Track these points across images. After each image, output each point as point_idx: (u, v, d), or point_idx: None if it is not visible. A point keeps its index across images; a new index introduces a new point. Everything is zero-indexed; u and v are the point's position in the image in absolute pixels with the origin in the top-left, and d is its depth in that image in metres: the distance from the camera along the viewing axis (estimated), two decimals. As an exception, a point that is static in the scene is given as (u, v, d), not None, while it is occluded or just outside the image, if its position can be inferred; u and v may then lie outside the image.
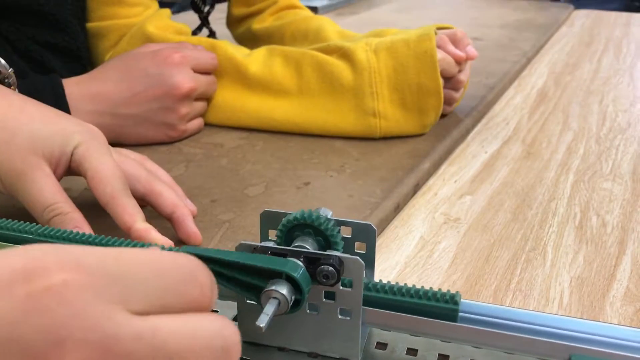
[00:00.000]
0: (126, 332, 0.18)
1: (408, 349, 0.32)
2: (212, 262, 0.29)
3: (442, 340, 0.33)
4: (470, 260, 0.42)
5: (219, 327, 0.20)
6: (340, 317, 0.31)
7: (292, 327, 0.31)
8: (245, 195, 0.51)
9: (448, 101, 0.67)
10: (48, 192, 0.39)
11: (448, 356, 0.32)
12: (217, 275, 0.29)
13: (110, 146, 0.43)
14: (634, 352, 0.28)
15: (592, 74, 0.87)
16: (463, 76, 0.66)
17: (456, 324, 0.29)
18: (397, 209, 0.51)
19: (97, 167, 0.40)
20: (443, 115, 0.67)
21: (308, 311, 0.31)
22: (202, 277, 0.21)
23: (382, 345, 0.33)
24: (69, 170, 0.42)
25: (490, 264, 0.42)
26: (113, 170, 0.40)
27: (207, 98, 0.63)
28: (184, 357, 0.19)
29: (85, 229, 0.39)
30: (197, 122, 0.63)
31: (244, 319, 0.32)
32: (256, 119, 0.64)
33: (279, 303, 0.28)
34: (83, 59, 0.66)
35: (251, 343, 0.33)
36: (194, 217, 0.46)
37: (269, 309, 0.27)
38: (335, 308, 0.30)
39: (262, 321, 0.27)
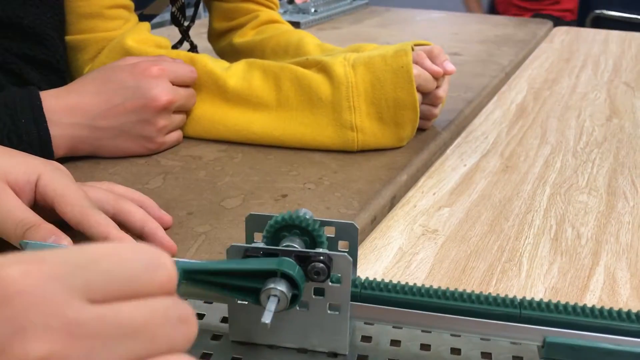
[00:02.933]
0: (88, 315, 0.19)
1: (392, 340, 0.33)
2: (206, 273, 0.29)
3: (423, 330, 0.34)
4: (447, 271, 0.42)
5: (172, 302, 0.21)
6: (329, 312, 0.32)
7: (282, 325, 0.32)
8: (223, 208, 0.51)
9: (427, 116, 0.67)
10: (18, 209, 0.39)
11: (430, 345, 0.33)
12: (211, 284, 0.30)
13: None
14: (609, 332, 0.29)
15: (570, 89, 0.88)
16: (441, 92, 0.67)
17: (438, 314, 0.31)
18: (374, 221, 0.51)
19: (62, 191, 0.41)
20: (422, 130, 0.67)
21: (298, 308, 0.32)
22: (167, 262, 0.22)
23: (366, 339, 0.34)
24: (34, 201, 0.42)
25: (466, 274, 0.42)
26: (78, 193, 0.41)
27: (185, 111, 0.63)
28: (148, 331, 0.20)
29: (62, 236, 0.38)
30: (176, 135, 0.62)
31: (234, 319, 0.33)
32: (235, 132, 0.64)
33: (279, 300, 0.28)
34: (62, 72, 0.66)
35: (242, 343, 0.33)
36: (168, 229, 0.46)
37: (271, 306, 0.28)
38: (324, 304, 0.31)
39: (267, 318, 0.27)
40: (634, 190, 0.56)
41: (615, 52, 1.12)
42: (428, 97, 0.65)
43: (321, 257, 0.30)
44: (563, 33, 1.29)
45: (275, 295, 0.28)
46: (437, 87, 0.65)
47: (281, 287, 0.28)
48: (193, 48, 0.84)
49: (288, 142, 0.63)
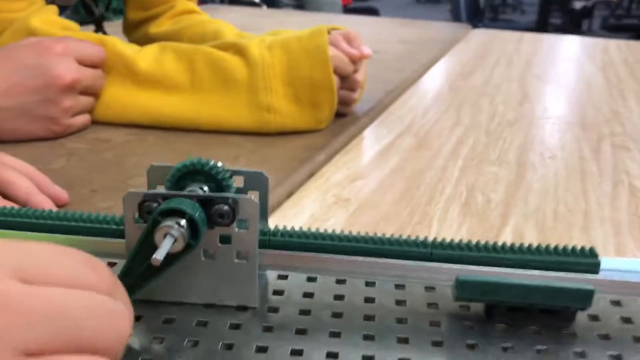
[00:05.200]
0: (16, 290, 0.20)
1: (305, 292, 0.32)
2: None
3: (337, 282, 0.33)
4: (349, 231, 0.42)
5: (108, 299, 0.22)
6: (236, 261, 0.30)
7: (187, 279, 0.30)
8: (128, 185, 0.49)
9: (346, 101, 0.67)
10: None
11: (343, 295, 0.32)
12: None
13: None
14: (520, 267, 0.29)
15: (484, 81, 0.91)
16: (359, 76, 0.67)
17: (351, 257, 0.30)
18: (290, 195, 0.50)
19: None
20: (342, 115, 0.67)
21: (203, 259, 0.30)
22: (97, 265, 0.23)
23: (278, 293, 0.32)
24: None
25: (377, 238, 0.42)
26: None
27: (94, 93, 0.60)
28: (76, 317, 0.20)
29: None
30: (83, 118, 0.60)
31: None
32: (147, 116, 0.61)
33: (175, 240, 0.27)
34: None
35: (144, 301, 0.30)
36: (65, 206, 0.43)
37: (166, 244, 0.26)
38: (231, 252, 0.30)
39: (159, 254, 0.26)
40: (543, 162, 0.58)
41: (528, 50, 1.17)
42: (346, 81, 0.66)
43: (226, 200, 0.28)
44: (480, 34, 1.33)
45: (171, 235, 0.27)
46: (355, 71, 0.66)
47: (178, 225, 0.27)
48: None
49: (203, 125, 0.61)
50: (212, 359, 0.27)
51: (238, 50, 0.62)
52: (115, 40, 0.63)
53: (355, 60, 0.65)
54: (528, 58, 1.09)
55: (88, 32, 0.66)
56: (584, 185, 0.52)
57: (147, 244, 0.27)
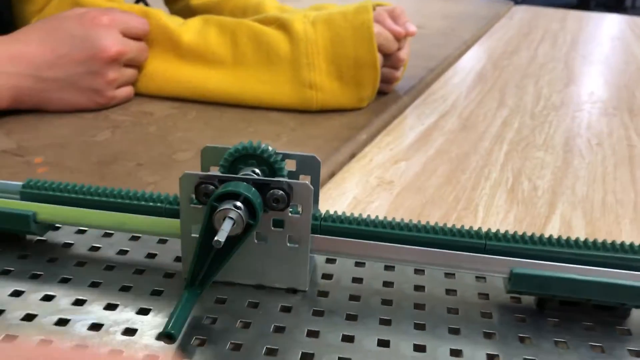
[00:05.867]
0: None
1: (353, 278, 0.32)
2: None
3: (385, 268, 0.33)
4: (401, 218, 0.41)
5: None
6: (288, 244, 0.30)
7: (239, 261, 0.30)
8: (173, 160, 0.49)
9: (388, 79, 0.66)
10: None
11: (392, 282, 0.32)
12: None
13: None
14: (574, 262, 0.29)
15: (528, 60, 0.88)
16: (403, 54, 0.66)
17: (401, 245, 0.30)
18: (332, 176, 0.50)
19: None
20: (384, 93, 0.67)
21: (256, 241, 0.30)
22: None
23: (327, 277, 0.32)
24: None
25: (422, 221, 0.41)
26: None
27: (137, 65, 0.61)
28: None
29: None
30: (127, 90, 0.60)
31: (188, 257, 0.30)
32: (189, 89, 0.62)
33: (234, 222, 0.27)
34: (8, 24, 0.63)
35: None
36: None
37: (226, 226, 0.26)
38: (284, 236, 0.30)
39: (221, 236, 0.26)
40: (590, 148, 0.56)
41: (573, 28, 1.13)
42: (390, 59, 0.65)
43: (281, 185, 0.28)
44: (522, 11, 1.30)
45: (230, 218, 0.27)
46: (399, 49, 0.65)
47: (237, 208, 0.27)
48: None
49: (244, 100, 0.61)
50: (264, 340, 0.27)
51: (281, 24, 0.61)
52: (159, 12, 0.63)
53: (399, 38, 0.64)
54: (573, 37, 1.06)
55: (132, 4, 0.66)
56: (633, 174, 0.51)
57: (209, 229, 0.27)
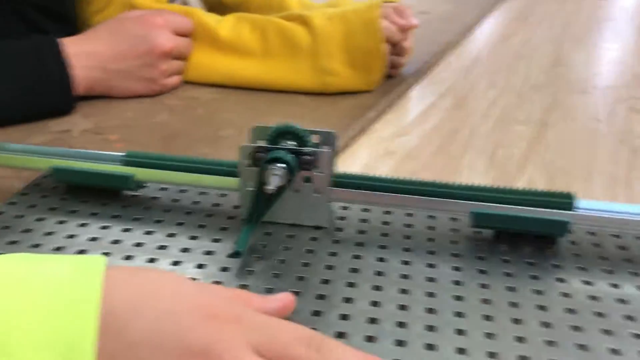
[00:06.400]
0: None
1: (360, 219, 0.45)
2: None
3: (384, 212, 0.45)
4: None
5: None
6: (314, 195, 0.42)
7: (279, 206, 0.43)
8: (219, 136, 0.61)
9: (394, 65, 0.78)
10: None
11: (389, 222, 0.44)
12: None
13: None
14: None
15: (523, 42, 0.99)
16: (407, 43, 0.77)
17: (395, 194, 0.42)
18: (346, 147, 0.62)
19: None
20: (391, 77, 0.78)
21: (292, 192, 0.42)
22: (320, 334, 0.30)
23: (342, 218, 0.45)
24: None
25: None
26: None
27: (184, 58, 0.73)
28: None
29: None
30: (176, 78, 0.72)
31: (244, 203, 0.43)
32: (227, 77, 0.74)
33: (280, 177, 0.39)
34: (71, 21, 0.75)
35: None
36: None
37: (274, 180, 0.39)
38: (311, 189, 0.42)
39: (273, 185, 0.39)
40: (564, 122, 0.67)
41: (571, 10, 1.23)
42: (395, 48, 0.76)
43: (309, 153, 0.41)
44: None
45: (276, 174, 0.39)
46: (403, 39, 0.76)
47: (281, 167, 0.39)
48: (185, 4, 0.93)
49: (273, 86, 0.73)
50: (299, 258, 0.39)
51: (303, 21, 0.73)
52: (199, 11, 0.75)
53: (404, 30, 0.75)
54: (570, 19, 1.16)
55: (175, 5, 0.78)
56: (593, 145, 0.62)
57: (261, 183, 0.40)
